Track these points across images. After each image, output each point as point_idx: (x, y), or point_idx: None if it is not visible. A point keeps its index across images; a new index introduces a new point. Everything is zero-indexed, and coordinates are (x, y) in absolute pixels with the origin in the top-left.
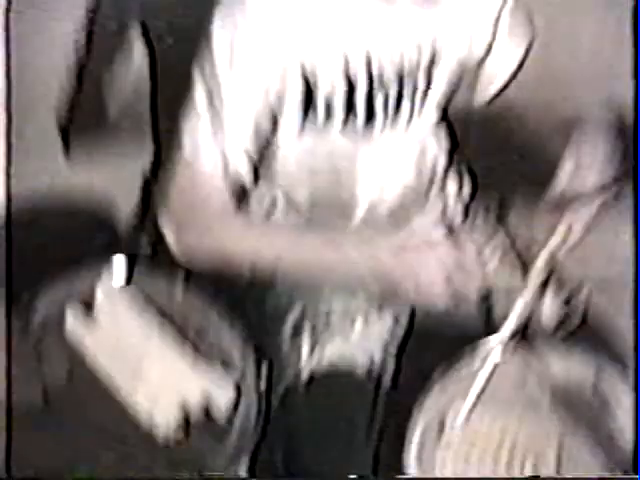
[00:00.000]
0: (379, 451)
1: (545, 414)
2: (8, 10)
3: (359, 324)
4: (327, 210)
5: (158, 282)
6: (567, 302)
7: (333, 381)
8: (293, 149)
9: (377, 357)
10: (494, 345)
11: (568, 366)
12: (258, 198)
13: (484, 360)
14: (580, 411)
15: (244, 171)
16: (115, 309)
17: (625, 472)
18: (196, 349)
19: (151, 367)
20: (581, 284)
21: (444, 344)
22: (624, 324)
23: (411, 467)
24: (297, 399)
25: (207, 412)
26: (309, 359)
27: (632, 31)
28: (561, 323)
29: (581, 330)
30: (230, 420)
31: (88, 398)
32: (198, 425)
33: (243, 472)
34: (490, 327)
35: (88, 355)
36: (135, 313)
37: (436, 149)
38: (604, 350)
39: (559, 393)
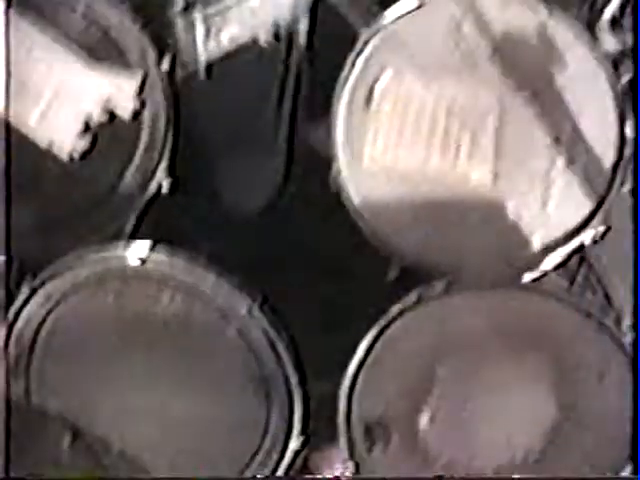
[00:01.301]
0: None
1: (485, 73)
2: None
3: None
4: None
5: None
6: None
7: (236, 60)
8: None
9: (285, 17)
10: None
11: (508, 12)
12: None
13: None
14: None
15: None
16: None
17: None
18: (89, 48)
19: (37, 82)
20: None
21: None
22: None
23: (338, 148)
24: (201, 83)
25: (111, 118)
26: (206, 40)
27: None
28: None
29: None
30: (138, 129)
31: None
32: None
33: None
34: None
35: None
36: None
37: None
38: None
39: (499, 44)
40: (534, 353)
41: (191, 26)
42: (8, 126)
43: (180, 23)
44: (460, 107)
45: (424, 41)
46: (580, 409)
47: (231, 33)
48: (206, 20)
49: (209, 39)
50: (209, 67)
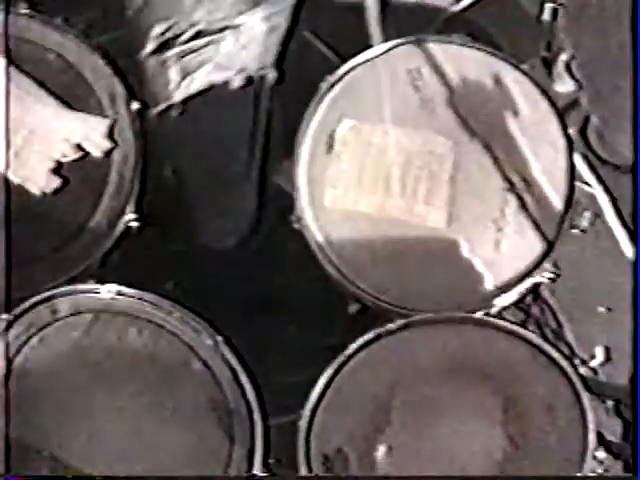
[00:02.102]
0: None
1: (441, 121)
2: None
3: (229, 36)
4: None
5: None
6: None
7: (209, 100)
8: None
9: (253, 67)
10: None
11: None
12: None
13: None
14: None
15: None
16: None
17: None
18: (62, 88)
19: (11, 121)
20: None
21: None
22: None
23: (301, 189)
24: (173, 123)
25: (82, 156)
26: (179, 80)
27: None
28: None
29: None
30: (107, 167)
31: None
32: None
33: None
34: None
35: None
36: None
37: None
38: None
39: (456, 92)
40: (486, 386)
41: (163, 65)
42: None
43: (152, 62)
44: (417, 153)
45: (382, 90)
46: (529, 439)
47: (203, 73)
48: (178, 60)
49: (182, 78)
50: (182, 105)
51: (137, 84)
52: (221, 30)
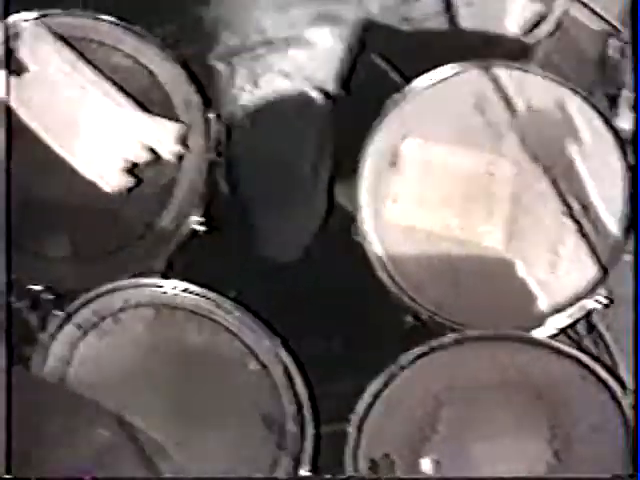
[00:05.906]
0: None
1: (504, 144)
2: None
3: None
4: None
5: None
6: None
7: (276, 113)
8: None
9: (318, 81)
10: None
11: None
12: None
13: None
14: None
15: None
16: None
17: None
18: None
19: (88, 120)
20: None
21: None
22: None
23: (363, 201)
24: (240, 133)
25: (154, 159)
26: (245, 85)
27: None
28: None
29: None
30: (179, 171)
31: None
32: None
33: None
34: None
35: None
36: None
37: None
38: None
39: (521, 116)
40: (534, 403)
41: (231, 70)
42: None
43: (220, 67)
44: (479, 174)
45: (448, 111)
46: (574, 456)
47: (270, 79)
48: (245, 64)
49: (249, 83)
50: (250, 114)
51: (210, 92)
52: (288, 41)
